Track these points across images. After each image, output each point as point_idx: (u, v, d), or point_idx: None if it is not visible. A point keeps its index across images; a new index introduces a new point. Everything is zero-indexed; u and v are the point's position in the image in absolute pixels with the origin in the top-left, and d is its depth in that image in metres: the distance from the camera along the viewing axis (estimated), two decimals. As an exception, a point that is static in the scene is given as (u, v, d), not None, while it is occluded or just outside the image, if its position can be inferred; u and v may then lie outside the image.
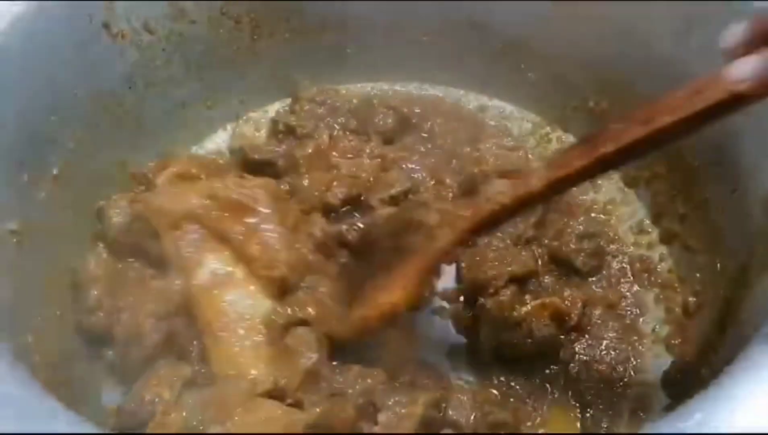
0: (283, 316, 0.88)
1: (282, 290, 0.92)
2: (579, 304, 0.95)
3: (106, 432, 0.61)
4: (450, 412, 0.83)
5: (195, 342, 0.91)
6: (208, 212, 0.92)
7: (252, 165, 1.08)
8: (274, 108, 1.23)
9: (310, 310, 0.89)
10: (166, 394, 0.85)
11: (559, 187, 0.79)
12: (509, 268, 0.94)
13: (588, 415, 0.89)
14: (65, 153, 0.93)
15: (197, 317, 0.90)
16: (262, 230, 0.92)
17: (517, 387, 0.91)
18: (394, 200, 1.03)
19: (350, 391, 0.83)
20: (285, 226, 0.95)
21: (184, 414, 0.81)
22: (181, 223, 0.93)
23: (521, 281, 0.96)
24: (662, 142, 0.71)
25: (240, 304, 0.90)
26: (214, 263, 0.91)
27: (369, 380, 0.85)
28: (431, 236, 0.86)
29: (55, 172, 0.91)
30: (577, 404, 0.90)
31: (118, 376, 0.92)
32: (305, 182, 1.06)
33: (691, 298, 0.96)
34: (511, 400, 0.90)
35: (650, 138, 0.69)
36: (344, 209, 1.03)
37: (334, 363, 0.87)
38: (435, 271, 0.88)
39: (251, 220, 0.93)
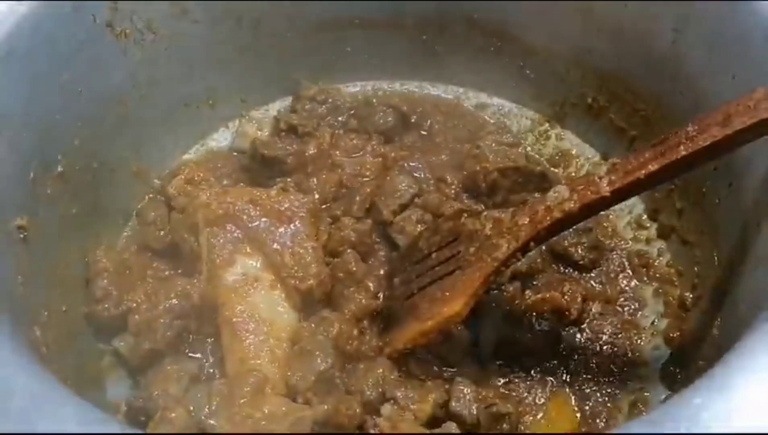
0: (307, 332, 0.90)
1: (306, 302, 0.94)
2: (579, 299, 0.96)
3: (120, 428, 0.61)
4: (453, 405, 0.84)
5: (208, 340, 0.93)
6: (249, 216, 0.95)
7: (260, 162, 1.09)
8: (276, 107, 1.24)
9: (334, 328, 0.91)
10: (173, 389, 0.87)
11: (628, 192, 0.76)
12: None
13: (587, 407, 0.90)
14: (70, 151, 0.94)
15: (219, 314, 0.92)
16: (297, 242, 0.95)
17: (518, 380, 0.92)
18: (403, 208, 1.04)
19: (363, 387, 0.85)
20: (318, 242, 0.97)
21: (191, 408, 0.82)
22: (220, 221, 0.95)
23: (525, 277, 0.97)
24: (739, 144, 0.70)
25: (265, 308, 0.92)
26: (245, 265, 0.94)
27: (379, 371, 0.87)
28: (489, 246, 0.85)
29: (60, 169, 0.92)
30: (577, 397, 0.91)
31: (124, 370, 0.94)
32: (313, 182, 1.08)
33: (689, 292, 0.97)
34: (513, 393, 0.91)
35: (729, 140, 0.68)
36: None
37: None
38: (493, 281, 0.86)
39: (288, 231, 0.95)
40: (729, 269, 0.85)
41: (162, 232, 1.03)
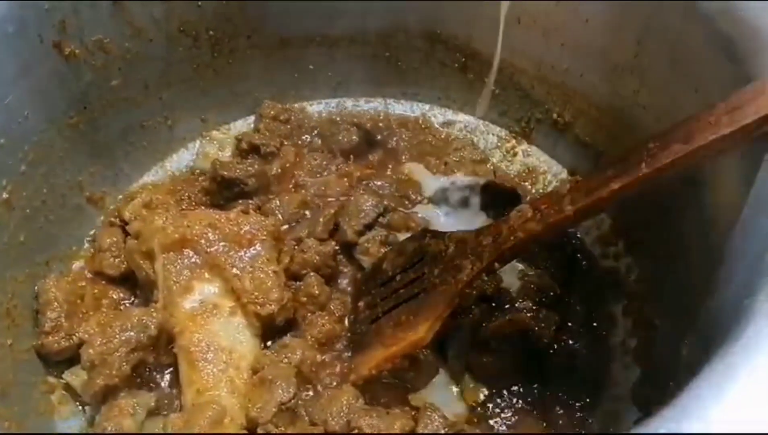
0: (269, 360, 0.88)
1: (268, 328, 0.91)
2: (552, 328, 0.94)
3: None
4: (420, 432, 0.82)
5: (166, 371, 0.90)
6: (207, 240, 0.92)
7: (221, 184, 1.06)
8: (237, 126, 1.21)
9: (297, 354, 0.88)
10: (128, 424, 0.84)
11: (592, 210, 0.75)
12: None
13: (553, 431, 0.88)
14: (16, 176, 0.90)
15: (176, 343, 0.88)
16: (257, 267, 0.91)
17: (488, 404, 0.90)
18: (368, 228, 1.02)
19: (327, 416, 0.83)
20: (280, 265, 0.94)
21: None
22: (177, 246, 0.92)
23: (491, 299, 0.95)
24: (702, 160, 0.69)
25: (224, 336, 0.89)
26: (203, 291, 0.91)
27: (344, 399, 0.84)
28: (452, 267, 0.84)
29: (5, 196, 0.88)
30: (546, 421, 0.89)
31: (76, 404, 0.90)
32: (275, 203, 1.05)
33: (658, 309, 0.96)
34: (481, 417, 0.89)
35: (691, 156, 0.67)
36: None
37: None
38: (457, 303, 0.85)
39: (248, 256, 0.92)
40: (697, 287, 0.84)
41: (117, 259, 1.00)
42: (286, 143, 1.15)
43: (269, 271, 0.92)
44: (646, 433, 0.53)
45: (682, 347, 0.84)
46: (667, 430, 0.53)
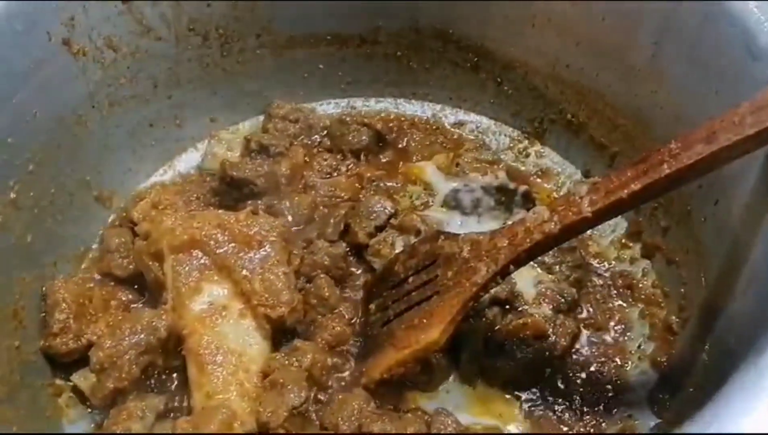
0: (279, 363, 0.87)
1: (278, 330, 0.90)
2: (568, 337, 0.92)
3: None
4: (433, 435, 0.81)
5: (175, 374, 0.89)
6: (216, 242, 0.91)
7: (229, 184, 1.05)
8: (246, 126, 1.20)
9: (307, 358, 0.87)
10: (137, 427, 0.83)
11: (611, 212, 0.73)
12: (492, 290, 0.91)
13: (570, 438, 0.87)
14: (24, 175, 0.89)
15: (184, 346, 0.87)
16: (267, 268, 0.90)
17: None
18: (379, 230, 1.01)
19: (339, 421, 0.81)
20: (290, 267, 0.93)
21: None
22: (186, 247, 0.91)
23: (503, 303, 0.94)
24: (725, 162, 0.67)
25: (233, 339, 0.88)
26: (212, 293, 0.90)
27: (355, 403, 0.83)
28: (467, 269, 0.82)
29: (12, 195, 0.88)
30: (561, 426, 0.87)
31: (84, 407, 0.89)
32: (285, 204, 1.04)
33: (675, 314, 0.94)
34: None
35: (713, 157, 0.65)
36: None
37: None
38: (472, 306, 0.83)
39: (257, 257, 0.91)
40: (717, 291, 0.82)
41: (126, 260, 0.98)
42: (295, 143, 1.14)
43: (279, 273, 0.91)
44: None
45: (701, 353, 0.82)
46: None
